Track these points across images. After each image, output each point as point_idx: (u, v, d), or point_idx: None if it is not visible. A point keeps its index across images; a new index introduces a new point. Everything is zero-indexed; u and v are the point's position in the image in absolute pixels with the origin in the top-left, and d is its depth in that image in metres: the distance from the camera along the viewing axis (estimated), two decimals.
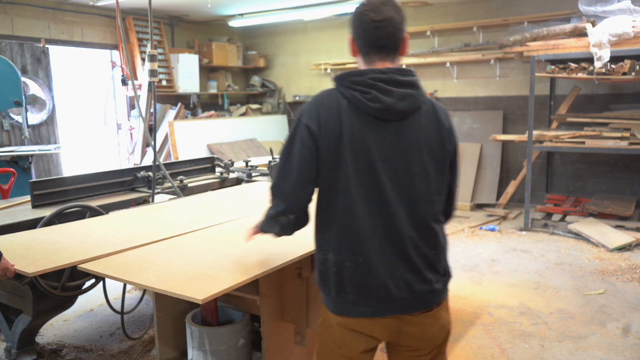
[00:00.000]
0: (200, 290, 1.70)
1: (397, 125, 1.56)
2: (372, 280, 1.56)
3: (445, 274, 1.68)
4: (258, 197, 3.28)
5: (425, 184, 1.58)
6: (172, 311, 2.69)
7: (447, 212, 1.74)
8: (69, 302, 3.00)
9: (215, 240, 2.31)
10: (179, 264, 1.98)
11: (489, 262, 4.71)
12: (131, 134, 7.77)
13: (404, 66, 1.66)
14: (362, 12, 1.57)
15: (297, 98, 8.90)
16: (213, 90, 8.66)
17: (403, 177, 1.56)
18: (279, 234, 1.73)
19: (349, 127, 1.54)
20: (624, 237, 5.07)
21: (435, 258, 1.63)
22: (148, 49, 3.37)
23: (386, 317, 1.59)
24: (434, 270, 1.63)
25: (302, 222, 1.70)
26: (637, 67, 5.09)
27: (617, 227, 5.37)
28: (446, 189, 1.67)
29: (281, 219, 1.68)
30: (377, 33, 1.56)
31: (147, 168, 3.69)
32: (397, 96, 1.53)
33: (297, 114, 1.61)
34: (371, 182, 1.55)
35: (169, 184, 3.57)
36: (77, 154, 7.36)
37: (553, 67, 5.62)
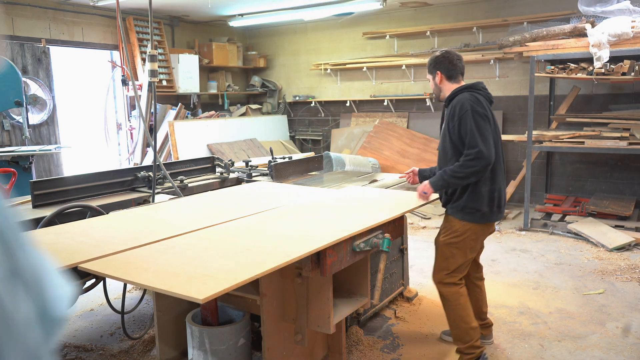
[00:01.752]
0: (201, 290, 1.71)
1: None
2: (502, 201, 2.85)
3: None
4: (258, 196, 3.29)
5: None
6: (173, 311, 2.70)
7: None
8: None
9: (215, 240, 2.32)
10: (179, 263, 1.99)
11: (488, 262, 4.71)
12: (131, 134, 7.78)
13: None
14: (451, 56, 2.91)
15: (297, 98, 8.90)
16: (213, 91, 8.67)
17: (500, 138, 2.90)
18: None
19: (490, 111, 2.84)
20: (623, 237, 5.07)
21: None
22: (148, 49, 3.37)
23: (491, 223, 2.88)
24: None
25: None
26: (637, 67, 5.09)
27: (616, 227, 5.38)
28: None
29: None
30: (461, 65, 2.94)
31: (147, 168, 3.70)
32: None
33: (463, 109, 2.73)
34: (498, 143, 2.82)
35: (169, 184, 3.58)
36: (78, 154, 7.37)
37: (552, 67, 5.63)
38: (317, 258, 2.23)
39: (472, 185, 2.74)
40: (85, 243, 2.30)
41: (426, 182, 2.83)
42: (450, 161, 2.77)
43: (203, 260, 2.01)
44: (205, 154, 7.37)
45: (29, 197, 3.14)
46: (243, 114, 8.90)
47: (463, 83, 2.92)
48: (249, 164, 4.38)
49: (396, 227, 2.72)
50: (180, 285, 1.75)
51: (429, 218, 6.29)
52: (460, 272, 2.87)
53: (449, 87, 2.91)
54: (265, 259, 1.99)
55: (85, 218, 2.89)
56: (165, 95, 7.91)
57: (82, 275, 2.82)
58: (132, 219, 2.75)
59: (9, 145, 5.95)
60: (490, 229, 2.91)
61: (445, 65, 2.90)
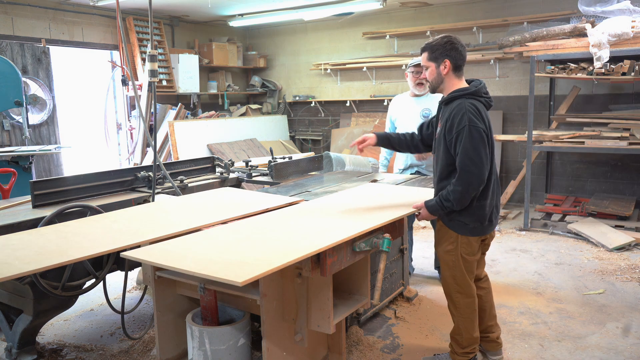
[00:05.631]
0: (239, 274, 1.81)
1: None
2: (494, 215, 2.73)
3: None
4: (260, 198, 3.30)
5: None
6: (173, 311, 2.70)
7: None
8: (69, 301, 3.01)
9: (244, 232, 2.43)
10: (215, 252, 2.11)
11: (488, 262, 4.71)
12: (131, 134, 7.79)
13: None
14: (457, 43, 2.60)
15: (297, 98, 8.90)
16: (213, 91, 8.67)
17: (493, 149, 2.69)
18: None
19: (488, 120, 2.62)
20: (623, 237, 5.07)
21: None
22: (148, 49, 3.37)
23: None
24: None
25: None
26: (637, 67, 5.09)
27: (616, 227, 5.38)
28: None
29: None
30: (466, 55, 2.66)
31: (147, 168, 3.70)
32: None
33: (461, 124, 2.50)
34: (491, 154, 2.64)
35: (169, 184, 3.58)
36: (78, 154, 7.37)
37: (553, 67, 5.63)
38: (317, 258, 2.23)
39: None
40: (123, 232, 2.45)
41: (423, 205, 2.66)
42: (443, 169, 2.64)
43: (237, 249, 2.14)
44: (205, 154, 7.37)
45: (29, 197, 3.14)
46: (243, 114, 8.90)
47: (464, 80, 2.67)
48: (249, 164, 4.38)
49: (396, 227, 2.71)
50: (220, 270, 1.87)
51: None
52: (465, 280, 2.74)
53: (452, 83, 2.63)
54: (294, 248, 2.12)
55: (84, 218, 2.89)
56: (165, 95, 7.91)
57: (82, 275, 2.83)
58: (157, 211, 2.85)
59: (9, 145, 5.95)
60: (484, 238, 2.78)
61: (454, 54, 2.58)
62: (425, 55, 2.66)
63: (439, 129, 2.70)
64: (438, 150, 2.69)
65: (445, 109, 2.66)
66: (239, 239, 2.32)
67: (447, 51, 2.58)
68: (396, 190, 3.36)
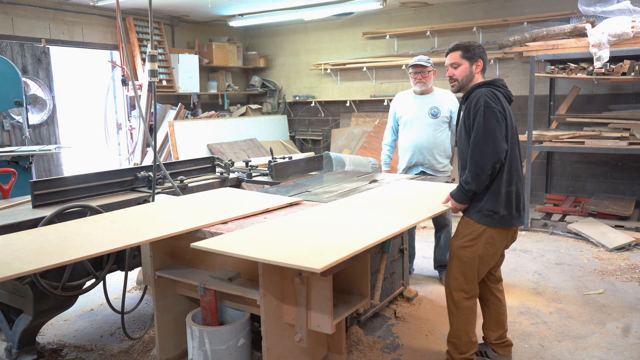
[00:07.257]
0: (314, 262, 1.89)
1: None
2: (521, 204, 2.71)
3: None
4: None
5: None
6: (173, 311, 2.70)
7: None
8: (69, 301, 3.01)
9: (303, 220, 2.51)
10: (282, 241, 2.20)
11: None
12: (131, 134, 7.79)
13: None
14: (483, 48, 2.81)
15: (297, 98, 8.90)
16: (213, 91, 8.67)
17: (517, 138, 2.73)
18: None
19: (507, 109, 2.65)
20: (623, 237, 5.07)
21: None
22: (148, 49, 3.37)
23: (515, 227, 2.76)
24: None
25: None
26: (637, 67, 5.09)
27: (616, 227, 5.38)
28: None
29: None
30: None
31: (147, 168, 3.70)
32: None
33: (477, 105, 2.58)
34: (515, 142, 2.68)
35: (169, 184, 3.58)
36: (78, 154, 7.37)
37: (553, 67, 5.63)
38: None
39: (490, 186, 2.61)
40: (123, 232, 2.45)
41: (449, 197, 2.74)
42: (466, 158, 2.66)
43: (303, 238, 2.23)
44: (205, 154, 7.37)
45: (29, 197, 3.14)
46: (243, 114, 8.90)
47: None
48: (249, 164, 4.38)
49: None
50: (296, 258, 1.96)
51: None
52: (475, 281, 2.73)
53: (476, 80, 2.76)
54: (361, 237, 2.21)
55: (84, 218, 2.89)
56: (165, 95, 7.92)
57: (82, 275, 2.83)
58: (157, 211, 2.87)
59: (9, 145, 5.95)
60: (510, 235, 2.74)
61: (485, 57, 2.78)
62: (458, 53, 2.76)
63: (459, 122, 2.78)
64: (460, 141, 2.75)
65: (465, 105, 2.73)
66: (304, 228, 2.42)
67: (481, 53, 2.76)
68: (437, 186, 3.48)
